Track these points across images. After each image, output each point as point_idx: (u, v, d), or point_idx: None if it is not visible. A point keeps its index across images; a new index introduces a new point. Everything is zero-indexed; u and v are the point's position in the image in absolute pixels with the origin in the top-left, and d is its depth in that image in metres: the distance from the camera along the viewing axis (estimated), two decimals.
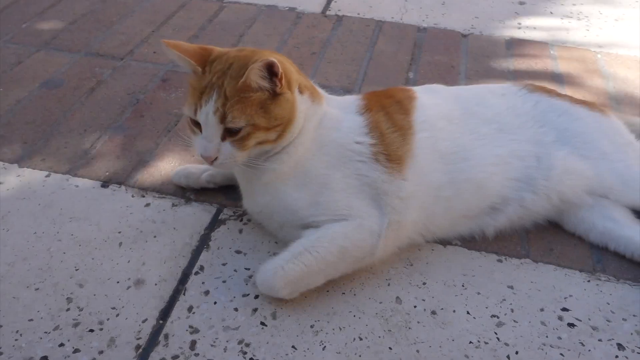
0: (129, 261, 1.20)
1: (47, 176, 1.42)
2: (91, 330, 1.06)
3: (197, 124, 1.10)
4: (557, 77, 1.87)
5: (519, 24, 2.23)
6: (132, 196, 1.37)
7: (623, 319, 1.12)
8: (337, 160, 1.15)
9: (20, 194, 1.36)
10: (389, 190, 1.15)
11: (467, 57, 1.99)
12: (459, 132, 1.25)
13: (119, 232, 1.27)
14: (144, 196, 1.37)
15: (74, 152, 1.50)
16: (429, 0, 2.39)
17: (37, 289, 1.14)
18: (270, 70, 1.04)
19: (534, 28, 2.19)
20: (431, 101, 1.30)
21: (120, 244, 1.24)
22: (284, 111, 1.09)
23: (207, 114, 1.05)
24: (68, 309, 1.10)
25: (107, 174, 1.43)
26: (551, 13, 2.33)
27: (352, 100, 1.27)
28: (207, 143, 1.07)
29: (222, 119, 1.05)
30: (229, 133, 1.07)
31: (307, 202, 1.13)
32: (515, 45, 2.07)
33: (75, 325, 1.07)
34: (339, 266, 1.11)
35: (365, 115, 1.21)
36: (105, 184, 1.40)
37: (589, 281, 1.19)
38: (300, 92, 1.15)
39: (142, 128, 1.60)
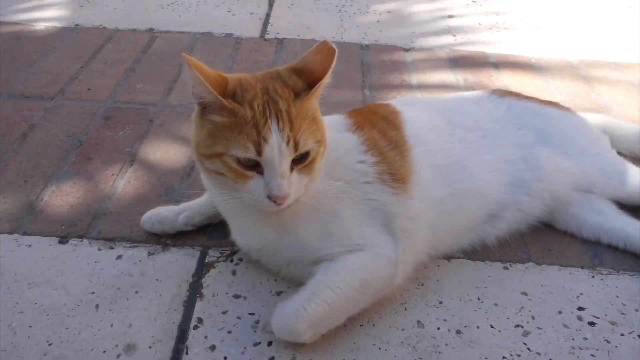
0: (112, 325, 1.04)
1: None
2: None
3: (250, 167, 0.94)
4: (502, 82, 1.93)
5: (454, 36, 2.29)
6: (99, 249, 1.20)
7: (635, 310, 1.12)
8: (344, 184, 1.06)
9: None
10: (398, 212, 1.08)
11: (414, 70, 2.00)
12: (449, 143, 1.23)
13: (92, 293, 1.10)
14: (112, 248, 1.21)
15: (16, 208, 1.30)
16: (364, 18, 2.40)
17: None
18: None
19: (469, 39, 2.26)
20: (414, 114, 1.26)
21: (97, 306, 1.07)
22: (318, 112, 1.00)
23: (279, 147, 0.91)
24: None
25: (63, 227, 1.25)
26: (480, 24, 2.42)
27: (339, 119, 1.20)
28: (281, 180, 0.92)
29: (296, 147, 0.92)
30: (294, 162, 0.95)
31: (319, 234, 1.04)
32: (457, 56, 2.11)
33: None
34: (360, 301, 1.02)
35: (358, 133, 1.14)
36: (63, 239, 1.22)
37: (593, 277, 1.20)
38: None
39: (93, 172, 1.42)
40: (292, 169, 0.94)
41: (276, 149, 0.91)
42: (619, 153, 1.50)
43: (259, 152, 0.91)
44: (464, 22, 2.43)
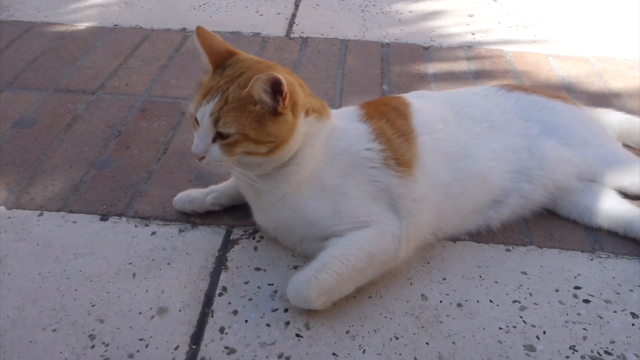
0: (147, 291, 1.17)
1: (40, 215, 1.36)
2: None
3: (197, 122, 1.12)
4: (518, 79, 2.00)
5: (473, 34, 2.36)
6: (135, 226, 1.33)
7: (630, 290, 1.19)
8: (351, 168, 1.17)
9: (14, 236, 1.29)
10: (402, 193, 1.18)
11: (432, 67, 2.09)
12: (456, 133, 1.31)
13: (130, 263, 1.23)
14: (147, 225, 1.34)
15: (63, 189, 1.44)
16: (385, 18, 2.50)
17: (55, 330, 1.08)
18: (276, 88, 1.05)
19: (487, 37, 2.33)
20: (424, 105, 1.36)
21: (134, 274, 1.20)
22: (279, 131, 1.09)
23: (204, 114, 1.08)
24: (93, 346, 1.05)
25: (104, 206, 1.39)
26: (499, 23, 2.49)
27: (352, 111, 1.30)
28: (199, 141, 1.09)
29: (215, 122, 1.07)
30: (220, 136, 1.09)
31: (328, 212, 1.14)
32: (475, 54, 2.19)
33: None
34: (367, 272, 1.12)
35: (368, 123, 1.24)
36: (104, 217, 1.36)
37: (592, 259, 1.27)
38: (307, 114, 1.14)
39: (130, 159, 1.56)
40: (216, 140, 1.09)
41: (202, 113, 1.09)
42: (629, 147, 1.56)
43: (196, 110, 1.11)
44: (484, 20, 2.50)
